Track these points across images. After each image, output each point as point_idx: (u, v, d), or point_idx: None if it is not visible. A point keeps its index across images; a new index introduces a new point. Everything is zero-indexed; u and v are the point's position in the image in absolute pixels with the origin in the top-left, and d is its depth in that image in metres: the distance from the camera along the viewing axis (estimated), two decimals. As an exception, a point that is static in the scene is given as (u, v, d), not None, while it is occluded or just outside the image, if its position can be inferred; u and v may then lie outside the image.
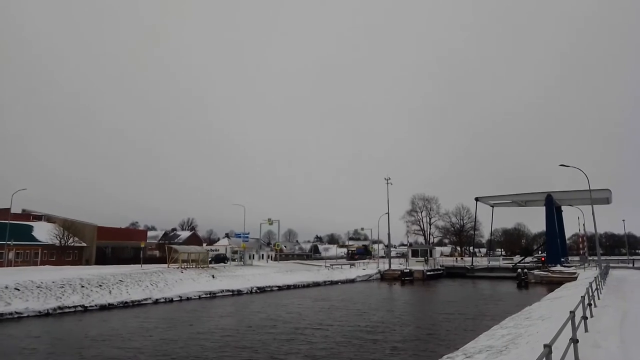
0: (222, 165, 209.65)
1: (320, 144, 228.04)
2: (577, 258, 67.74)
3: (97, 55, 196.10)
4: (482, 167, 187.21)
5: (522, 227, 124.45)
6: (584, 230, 66.36)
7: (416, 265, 56.02)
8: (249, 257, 62.10)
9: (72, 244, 58.69)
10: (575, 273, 44.67)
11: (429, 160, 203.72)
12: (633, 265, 57.94)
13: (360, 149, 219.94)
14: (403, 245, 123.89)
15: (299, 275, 46.44)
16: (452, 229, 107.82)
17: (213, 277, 37.95)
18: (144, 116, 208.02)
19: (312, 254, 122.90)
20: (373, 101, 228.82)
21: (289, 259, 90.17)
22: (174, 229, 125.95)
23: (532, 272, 49.67)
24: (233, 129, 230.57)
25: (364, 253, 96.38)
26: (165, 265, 42.52)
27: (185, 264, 42.31)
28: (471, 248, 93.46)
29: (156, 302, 29.64)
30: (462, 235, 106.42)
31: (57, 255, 56.26)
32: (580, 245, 70.42)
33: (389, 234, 66.59)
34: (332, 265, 58.33)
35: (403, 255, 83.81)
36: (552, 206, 60.27)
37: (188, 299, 31.67)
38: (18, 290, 25.08)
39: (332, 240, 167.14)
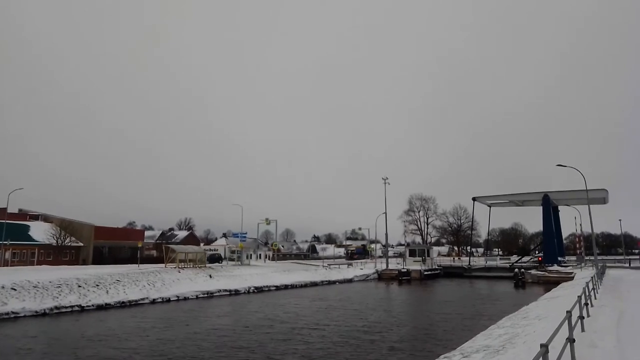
0: (221, 165, 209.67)
1: (320, 144, 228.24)
2: (574, 258, 67.94)
3: (97, 55, 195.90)
4: (482, 167, 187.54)
5: (519, 227, 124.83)
6: (581, 230, 66.62)
7: (413, 265, 56.10)
8: (247, 257, 62.06)
9: (69, 244, 58.47)
10: (572, 273, 44.81)
11: (428, 161, 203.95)
12: (629, 265, 58.09)
13: (360, 149, 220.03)
14: (401, 245, 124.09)
15: (297, 275, 46.43)
16: (450, 228, 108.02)
17: (210, 277, 37.90)
18: (144, 116, 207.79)
19: (310, 254, 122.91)
20: (373, 101, 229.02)
21: (286, 259, 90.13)
22: (171, 229, 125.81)
23: (529, 271, 49.80)
24: (233, 128, 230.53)
25: (363, 253, 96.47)
26: (163, 265, 42.44)
27: (182, 263, 42.24)
28: (468, 248, 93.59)
29: (153, 302, 29.58)
30: (459, 235, 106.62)
31: (54, 255, 56.07)
32: (577, 245, 70.65)
33: (386, 234, 66.68)
34: (329, 265, 58.34)
35: (400, 255, 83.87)
36: (549, 206, 60.43)
37: (185, 298, 31.62)
38: (15, 290, 24.99)
39: (330, 240, 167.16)
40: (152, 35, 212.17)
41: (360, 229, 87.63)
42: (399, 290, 41.80)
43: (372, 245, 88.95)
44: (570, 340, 7.12)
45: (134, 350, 15.30)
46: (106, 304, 27.05)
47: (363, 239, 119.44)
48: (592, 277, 20.74)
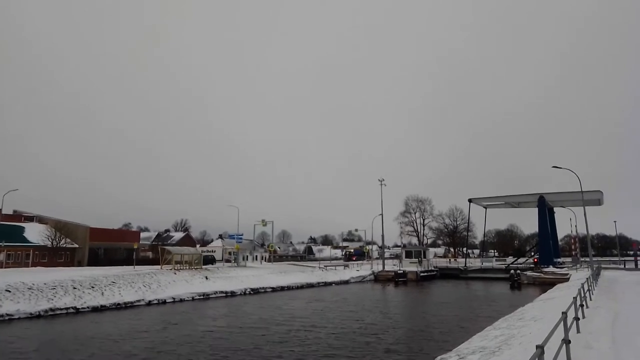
0: (221, 165, 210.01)
1: (320, 144, 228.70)
2: (569, 259, 68.19)
3: (97, 55, 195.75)
4: (482, 167, 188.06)
5: (515, 228, 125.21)
6: (576, 231, 66.88)
7: (410, 267, 56.14)
8: (243, 259, 61.96)
9: (64, 245, 58.15)
10: (567, 274, 44.95)
11: (428, 161, 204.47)
12: (624, 266, 58.36)
13: (359, 149, 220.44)
14: (397, 246, 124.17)
15: (293, 276, 46.38)
16: (446, 230, 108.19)
17: (206, 278, 37.80)
18: (143, 116, 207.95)
19: (306, 255, 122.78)
20: (373, 101, 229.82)
21: (282, 260, 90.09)
22: (167, 230, 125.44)
23: (524, 273, 49.95)
24: (232, 128, 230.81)
25: (361, 254, 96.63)
26: (159, 267, 42.30)
27: (178, 265, 42.11)
28: (464, 249, 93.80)
29: (149, 303, 29.46)
30: (455, 237, 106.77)
31: (49, 256, 55.73)
32: (573, 247, 70.92)
33: (382, 236, 66.77)
34: (325, 266, 58.30)
35: (397, 257, 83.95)
36: (545, 207, 60.66)
37: (181, 300, 31.50)
38: (9, 292, 24.83)
39: (326, 241, 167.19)
40: (152, 35, 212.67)
41: (356, 230, 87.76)
42: (395, 291, 41.83)
43: (369, 247, 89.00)
44: (566, 341, 7.14)
45: (128, 353, 15.22)
46: (101, 306, 26.91)
47: (360, 240, 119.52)
48: (587, 279, 20.81)
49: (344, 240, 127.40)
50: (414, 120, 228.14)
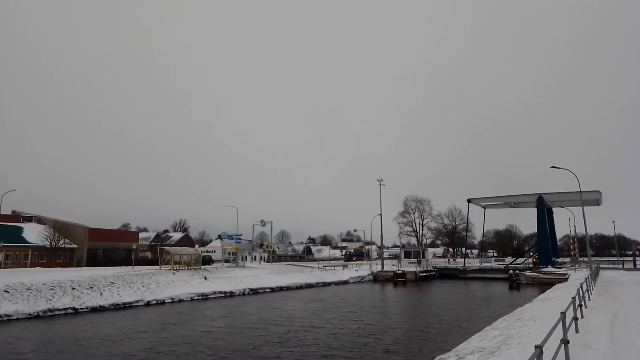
0: (220, 166, 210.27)
1: (320, 144, 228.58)
2: (568, 259, 68.26)
3: (97, 55, 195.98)
4: (482, 168, 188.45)
5: (514, 228, 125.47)
6: (575, 231, 66.99)
7: (409, 267, 56.16)
8: (242, 259, 61.95)
9: (63, 246, 58.07)
10: (566, 274, 44.98)
11: (427, 161, 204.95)
12: (623, 266, 58.36)
13: (359, 149, 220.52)
14: (396, 246, 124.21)
15: (292, 277, 46.37)
16: (445, 230, 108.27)
17: (205, 279, 37.78)
18: (143, 117, 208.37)
19: (305, 256, 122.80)
20: (373, 101, 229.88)
21: (282, 261, 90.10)
22: (166, 231, 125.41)
23: (523, 273, 49.99)
24: (232, 129, 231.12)
25: (361, 255, 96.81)
26: (158, 267, 42.26)
27: (177, 265, 42.08)
28: (463, 250, 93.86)
29: (148, 304, 29.43)
30: (454, 237, 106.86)
31: (48, 257, 55.65)
32: (571, 247, 70.95)
33: (381, 236, 66.78)
34: (325, 267, 58.30)
35: (396, 257, 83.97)
36: (544, 208, 60.74)
37: (180, 301, 31.47)
38: (7, 292, 24.78)
39: (325, 241, 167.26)
40: (151, 35, 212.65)
41: (355, 230, 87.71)
42: (395, 292, 41.82)
43: (368, 247, 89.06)
44: (565, 341, 7.15)
45: (127, 354, 15.20)
46: (100, 307, 26.88)
47: (359, 240, 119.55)
48: (586, 279, 20.82)
49: (343, 240, 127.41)
50: (414, 120, 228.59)
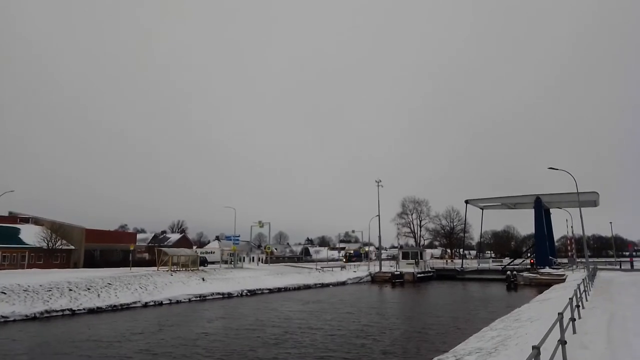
0: (219, 166, 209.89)
1: (319, 144, 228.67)
2: (565, 260, 68.46)
3: (97, 55, 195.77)
4: (482, 168, 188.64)
5: (512, 229, 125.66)
6: (572, 232, 67.21)
7: (407, 268, 56.16)
8: (240, 260, 61.85)
9: (60, 247, 57.86)
10: (563, 275, 45.10)
11: (427, 162, 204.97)
12: (620, 267, 58.58)
13: (359, 149, 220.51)
14: (394, 247, 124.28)
15: (290, 277, 46.33)
16: (443, 231, 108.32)
17: (203, 280, 37.70)
18: (143, 117, 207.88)
19: (303, 257, 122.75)
20: (373, 101, 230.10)
21: (279, 262, 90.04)
22: (163, 232, 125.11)
23: (521, 274, 50.05)
24: (231, 129, 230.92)
25: (359, 255, 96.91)
26: (155, 268, 42.16)
27: (175, 266, 41.99)
28: (461, 250, 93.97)
29: (145, 305, 29.34)
30: (452, 238, 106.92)
31: (45, 258, 55.46)
32: (569, 247, 71.21)
33: (379, 237, 66.76)
34: (322, 267, 58.26)
35: (394, 258, 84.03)
36: (541, 209, 60.85)
37: (178, 302, 31.39)
38: (4, 293, 24.69)
39: (323, 242, 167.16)
40: (151, 35, 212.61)
41: (353, 231, 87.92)
42: (392, 292, 41.82)
43: (366, 248, 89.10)
44: (562, 342, 7.16)
45: (123, 355, 15.14)
46: (98, 308, 26.79)
47: (357, 241, 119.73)
48: (583, 279, 20.87)
49: (341, 241, 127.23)
50: (414, 120, 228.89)
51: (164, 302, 30.58)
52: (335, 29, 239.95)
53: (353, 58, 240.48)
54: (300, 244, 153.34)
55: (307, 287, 44.30)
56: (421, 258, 60.06)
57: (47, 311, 24.52)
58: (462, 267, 62.98)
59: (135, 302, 29.04)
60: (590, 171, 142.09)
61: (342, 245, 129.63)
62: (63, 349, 16.27)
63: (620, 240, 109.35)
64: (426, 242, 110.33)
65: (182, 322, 22.56)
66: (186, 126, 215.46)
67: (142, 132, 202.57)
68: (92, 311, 26.27)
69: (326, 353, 15.28)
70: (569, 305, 10.25)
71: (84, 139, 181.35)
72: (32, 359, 15.00)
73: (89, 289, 28.59)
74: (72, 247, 60.50)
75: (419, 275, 53.69)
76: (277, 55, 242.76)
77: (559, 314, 7.50)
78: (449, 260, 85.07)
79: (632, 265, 56.99)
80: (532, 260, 60.83)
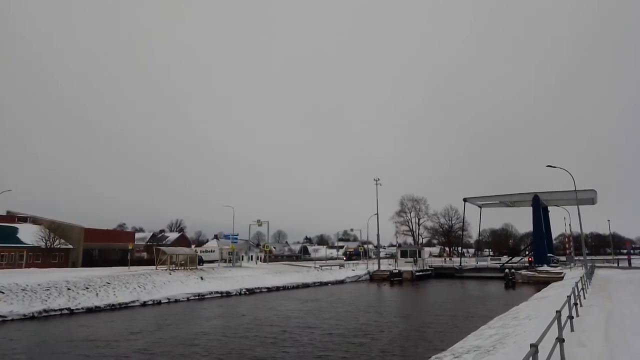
0: (218, 165, 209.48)
1: (319, 144, 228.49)
2: (563, 258, 68.56)
3: (97, 55, 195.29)
4: (481, 167, 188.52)
5: (510, 227, 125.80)
6: (570, 230, 67.31)
7: (405, 266, 56.25)
8: (238, 259, 61.83)
9: (59, 246, 57.78)
10: (561, 273, 45.21)
11: (427, 161, 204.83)
12: (618, 265, 58.80)
13: (359, 149, 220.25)
14: (392, 245, 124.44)
15: (288, 276, 46.33)
16: (441, 229, 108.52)
17: (202, 278, 37.68)
18: (142, 117, 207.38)
19: (302, 255, 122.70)
20: (373, 101, 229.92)
21: (278, 260, 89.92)
22: (162, 231, 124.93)
23: (519, 272, 50.14)
24: (230, 129, 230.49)
25: (359, 254, 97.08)
26: (153, 267, 42.12)
27: (173, 265, 41.96)
28: (459, 248, 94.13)
29: (144, 304, 29.32)
30: (450, 236, 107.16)
31: (43, 257, 55.38)
32: (567, 245, 71.38)
33: (378, 235, 66.71)
34: (321, 266, 58.28)
35: (392, 256, 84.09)
36: (539, 207, 60.92)
37: (176, 301, 31.37)
38: (2, 293, 24.64)
39: (322, 241, 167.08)
40: (151, 35, 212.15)
41: (352, 230, 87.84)
42: (391, 291, 41.86)
43: (364, 246, 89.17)
44: (560, 340, 7.17)
45: (121, 354, 15.13)
46: (96, 307, 26.75)
47: (355, 240, 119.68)
48: (581, 277, 20.91)
49: (340, 240, 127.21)
50: (414, 120, 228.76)
51: (162, 301, 30.55)
52: (335, 29, 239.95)
53: (353, 58, 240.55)
54: (299, 242, 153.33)
55: (306, 285, 44.32)
56: (419, 256, 60.15)
57: (45, 310, 24.48)
58: (460, 265, 63.05)
59: (133, 301, 29.02)
60: (590, 171, 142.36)
61: (340, 243, 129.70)
62: (61, 348, 16.25)
63: (618, 238, 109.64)
64: (424, 241, 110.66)
65: (181, 321, 22.55)
66: (186, 126, 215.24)
67: (142, 132, 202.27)
68: (90, 310, 26.23)
69: (324, 352, 15.28)
70: (567, 303, 10.26)
71: (84, 139, 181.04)
72: (30, 359, 14.98)
73: (87, 288, 28.56)
74: (71, 246, 60.42)
75: (417, 274, 53.76)
76: (277, 56, 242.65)
77: (556, 312, 7.51)
78: (448, 259, 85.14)
79: (629, 263, 57.19)
80: (530, 259, 60.94)
